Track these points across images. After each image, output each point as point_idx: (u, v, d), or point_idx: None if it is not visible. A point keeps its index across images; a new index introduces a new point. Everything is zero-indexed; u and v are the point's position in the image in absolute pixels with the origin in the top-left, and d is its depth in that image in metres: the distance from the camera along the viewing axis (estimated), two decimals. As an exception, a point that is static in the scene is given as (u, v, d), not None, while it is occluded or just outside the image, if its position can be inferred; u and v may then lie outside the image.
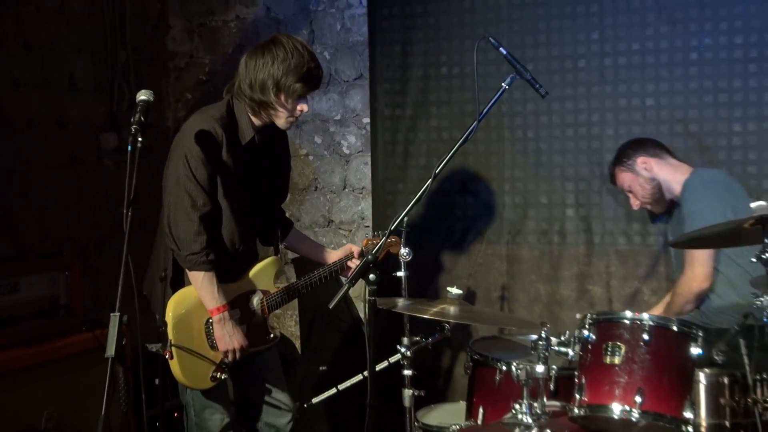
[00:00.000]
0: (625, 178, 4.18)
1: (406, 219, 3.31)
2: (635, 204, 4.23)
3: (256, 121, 3.53)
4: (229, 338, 3.44)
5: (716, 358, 3.32)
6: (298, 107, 3.47)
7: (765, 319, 2.95)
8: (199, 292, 3.44)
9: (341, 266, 3.76)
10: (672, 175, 4.05)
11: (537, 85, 3.33)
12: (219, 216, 3.51)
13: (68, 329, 3.85)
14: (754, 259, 3.08)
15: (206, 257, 3.37)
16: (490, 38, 3.43)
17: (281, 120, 3.50)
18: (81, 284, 3.95)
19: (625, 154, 4.18)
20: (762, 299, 2.97)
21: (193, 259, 3.36)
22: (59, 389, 3.70)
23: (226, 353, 3.47)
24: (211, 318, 3.45)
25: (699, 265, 3.81)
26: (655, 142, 4.17)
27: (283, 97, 3.41)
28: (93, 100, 5.04)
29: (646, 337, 3.17)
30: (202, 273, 3.39)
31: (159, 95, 5.06)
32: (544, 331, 3.34)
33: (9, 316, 3.66)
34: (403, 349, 3.56)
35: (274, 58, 3.38)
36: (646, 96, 4.46)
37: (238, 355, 3.48)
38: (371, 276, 3.09)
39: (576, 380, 3.27)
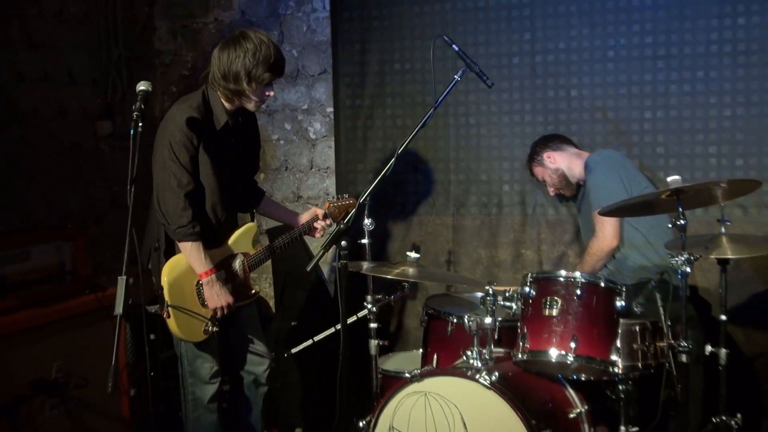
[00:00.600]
0: (538, 171, 4.29)
1: (366, 192, 3.31)
2: (551, 191, 4.32)
3: (229, 107, 3.51)
4: (217, 297, 3.45)
5: (635, 309, 3.39)
6: (267, 93, 3.46)
7: (680, 276, 3.00)
8: (188, 260, 3.44)
9: (309, 227, 3.74)
10: (571, 162, 4.15)
11: (484, 77, 3.35)
12: (202, 192, 3.49)
13: (73, 292, 3.80)
14: (669, 225, 3.11)
15: (192, 229, 3.36)
16: (445, 37, 3.46)
17: (251, 104, 3.49)
18: (84, 253, 3.90)
19: (535, 151, 4.28)
20: (676, 259, 3.00)
21: (181, 231, 3.35)
22: (66, 344, 3.66)
23: (215, 310, 3.47)
24: (200, 280, 3.44)
25: (609, 226, 3.87)
26: (557, 137, 4.30)
27: (254, 85, 3.40)
28: (89, 92, 4.98)
29: (578, 292, 3.25)
30: (190, 243, 3.39)
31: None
32: (492, 288, 3.38)
33: (22, 281, 3.60)
34: (369, 305, 3.58)
35: (245, 52, 3.35)
36: (571, 88, 4.49)
37: (225, 311, 3.49)
38: (343, 243, 3.11)
39: (519, 330, 3.35)
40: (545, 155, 4.22)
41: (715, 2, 4.18)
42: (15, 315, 3.48)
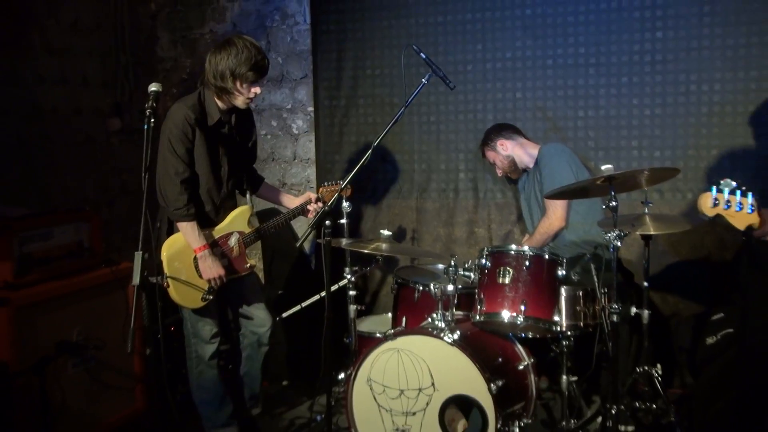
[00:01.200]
0: (490, 155, 4.24)
1: (347, 179, 3.30)
2: (499, 173, 4.29)
3: (222, 105, 3.48)
4: (210, 269, 3.44)
5: (573, 278, 3.43)
6: (252, 89, 3.43)
7: (611, 249, 3.02)
8: (185, 237, 3.43)
9: (302, 209, 3.72)
10: (522, 151, 4.14)
11: (448, 81, 3.35)
12: (197, 179, 3.49)
13: (90, 266, 3.76)
14: (604, 206, 3.14)
15: (188, 211, 3.37)
16: (414, 46, 3.43)
17: (239, 101, 3.45)
18: (100, 232, 3.87)
19: (489, 137, 4.22)
20: (609, 235, 3.02)
21: (178, 212, 3.37)
22: (85, 311, 3.62)
23: (209, 281, 3.46)
24: (196, 255, 3.43)
25: (560, 209, 3.90)
26: (510, 126, 4.26)
27: (238, 83, 3.37)
28: (101, 93, 4.94)
29: (527, 263, 3.30)
30: (186, 222, 3.39)
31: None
32: (454, 260, 3.42)
33: (46, 257, 3.56)
34: (348, 276, 3.59)
35: (230, 54, 3.34)
36: (516, 91, 4.51)
37: (218, 282, 3.48)
38: (327, 222, 3.12)
39: (476, 296, 3.39)
40: (498, 142, 4.18)
41: (636, 19, 4.20)
42: (40, 287, 3.45)
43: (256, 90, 3.45)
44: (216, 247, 3.53)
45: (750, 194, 2.49)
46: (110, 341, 3.70)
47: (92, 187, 4.80)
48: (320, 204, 3.67)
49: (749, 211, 2.45)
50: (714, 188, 2.47)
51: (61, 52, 4.59)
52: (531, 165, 4.14)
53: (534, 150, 4.13)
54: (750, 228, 2.53)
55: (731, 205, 2.46)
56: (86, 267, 3.74)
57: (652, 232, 3.39)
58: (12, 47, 4.29)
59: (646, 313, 3.55)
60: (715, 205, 2.46)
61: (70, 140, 4.65)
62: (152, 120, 2.76)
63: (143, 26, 5.25)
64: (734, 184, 2.49)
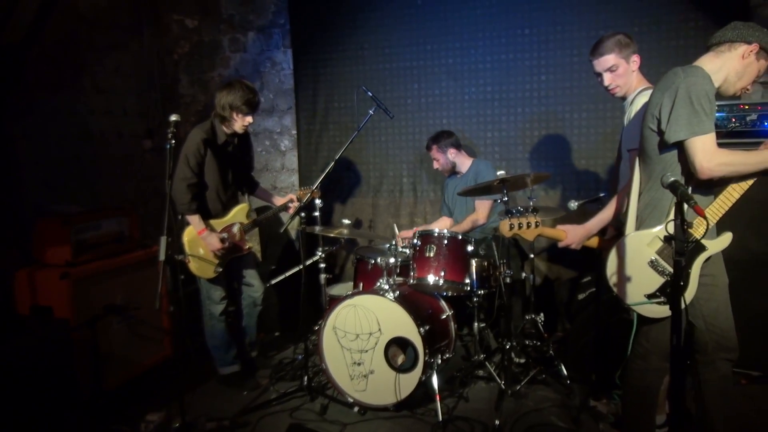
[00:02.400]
0: (437, 155, 4.07)
1: (317, 183, 3.37)
2: (436, 166, 4.11)
3: (227, 130, 3.51)
4: (211, 244, 3.48)
5: (480, 252, 3.53)
6: (246, 119, 3.47)
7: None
8: (192, 225, 3.48)
9: (286, 207, 3.76)
10: (462, 159, 4.09)
11: (389, 112, 3.40)
12: (205, 184, 3.51)
13: (130, 249, 3.78)
14: (499, 201, 3.18)
15: (190, 207, 3.41)
16: (363, 87, 3.50)
17: (237, 126, 3.49)
18: (137, 224, 3.88)
19: (442, 141, 4.04)
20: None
21: (182, 207, 3.41)
22: (126, 282, 3.65)
23: (213, 252, 3.49)
24: (199, 236, 3.48)
25: (485, 208, 3.91)
26: (457, 139, 4.11)
27: (235, 114, 3.43)
28: (137, 121, 4.89)
29: (446, 242, 3.34)
30: (189, 215, 3.44)
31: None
32: (395, 241, 3.50)
33: (96, 242, 3.60)
34: (319, 253, 3.65)
35: (230, 93, 3.40)
36: (442, 118, 4.55)
37: (219, 253, 3.50)
38: (302, 214, 3.20)
39: (411, 266, 3.42)
40: (449, 150, 4.02)
41: (527, 66, 4.27)
42: (92, 264, 3.48)
43: (249, 119, 3.48)
44: (222, 232, 3.58)
45: (536, 212, 2.51)
46: (145, 304, 3.72)
47: (131, 191, 4.76)
48: (297, 203, 3.72)
49: (535, 226, 2.45)
50: (507, 217, 2.46)
51: (107, 90, 4.56)
52: (464, 171, 4.08)
53: (468, 160, 4.11)
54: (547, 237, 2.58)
55: (522, 226, 2.43)
56: (126, 250, 3.76)
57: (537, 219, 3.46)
58: (69, 87, 4.26)
59: (531, 277, 3.64)
60: (511, 228, 2.43)
61: (113, 156, 4.62)
62: (173, 141, 2.81)
63: (169, 71, 5.21)
64: (521, 209, 2.50)
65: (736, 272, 2.44)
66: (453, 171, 4.14)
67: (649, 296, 2.21)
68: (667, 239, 1.76)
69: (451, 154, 4.06)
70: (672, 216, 1.82)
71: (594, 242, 2.65)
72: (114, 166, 4.62)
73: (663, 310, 2.20)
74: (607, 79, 2.71)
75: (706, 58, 2.27)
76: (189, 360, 3.90)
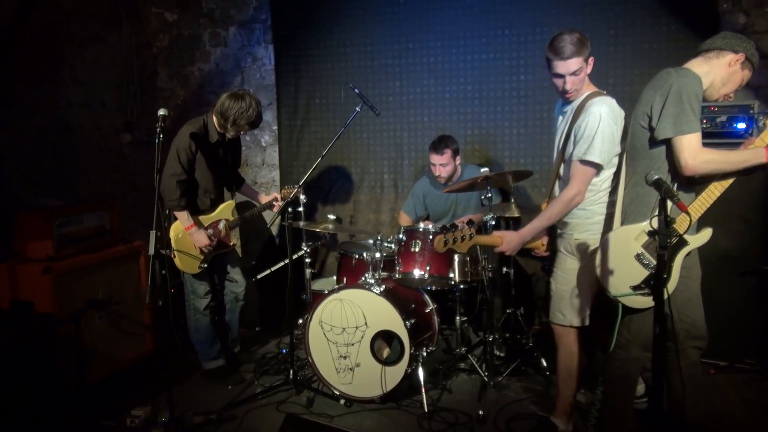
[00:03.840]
0: (448, 160, 3.92)
1: (303, 181, 3.41)
2: (441, 171, 3.95)
3: (220, 129, 3.51)
4: (198, 240, 3.48)
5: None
6: (241, 132, 3.50)
7: (488, 227, 3.06)
8: (180, 220, 3.47)
9: (270, 204, 3.77)
10: (458, 167, 4.04)
11: (375, 109, 3.45)
12: (195, 181, 3.50)
13: (111, 243, 3.76)
14: (482, 197, 3.23)
15: (179, 203, 3.40)
16: (350, 84, 3.52)
17: (229, 134, 3.50)
18: (119, 218, 3.85)
19: (455, 146, 3.95)
20: (486, 217, 3.08)
21: (172, 203, 3.40)
22: (107, 277, 3.63)
23: (200, 249, 3.50)
24: (187, 232, 3.47)
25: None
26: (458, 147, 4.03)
27: (235, 128, 3.43)
28: (116, 115, 4.83)
29: (430, 237, 3.37)
30: (178, 211, 3.43)
31: (154, 113, 4.94)
32: (380, 235, 3.50)
33: (78, 236, 3.56)
34: (305, 248, 3.67)
35: (238, 106, 3.36)
36: (424, 116, 4.58)
37: (206, 250, 3.50)
38: (289, 209, 3.23)
39: (396, 261, 3.46)
40: (458, 158, 3.97)
41: (507, 65, 4.33)
42: (74, 259, 3.46)
43: (243, 131, 3.52)
44: (209, 229, 3.58)
45: (470, 224, 2.61)
46: (126, 299, 3.72)
47: (109, 184, 4.70)
48: (281, 202, 3.72)
49: (470, 238, 2.49)
50: (442, 234, 2.48)
51: (86, 83, 4.49)
52: (455, 178, 4.05)
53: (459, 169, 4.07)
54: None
55: (457, 240, 2.45)
56: (108, 244, 3.73)
57: (516, 215, 3.52)
58: (48, 80, 4.19)
59: (512, 271, 3.69)
60: (446, 244, 2.44)
61: (92, 149, 4.56)
62: (161, 135, 2.75)
63: (147, 64, 5.15)
64: (457, 224, 2.61)
65: (704, 267, 2.56)
66: (449, 180, 4.04)
67: (635, 288, 2.32)
68: (652, 233, 1.86)
69: (458, 160, 4.02)
70: (656, 212, 1.91)
71: (538, 245, 2.86)
72: (93, 160, 4.56)
73: (646, 301, 2.30)
74: (570, 83, 2.53)
75: (695, 62, 2.40)
76: (173, 354, 3.89)
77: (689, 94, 2.22)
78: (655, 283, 1.90)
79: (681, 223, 2.20)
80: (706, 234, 2.36)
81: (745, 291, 3.49)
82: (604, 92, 2.61)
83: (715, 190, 2.30)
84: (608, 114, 2.47)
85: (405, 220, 4.27)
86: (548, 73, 2.58)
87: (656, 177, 1.97)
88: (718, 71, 2.36)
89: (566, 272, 2.72)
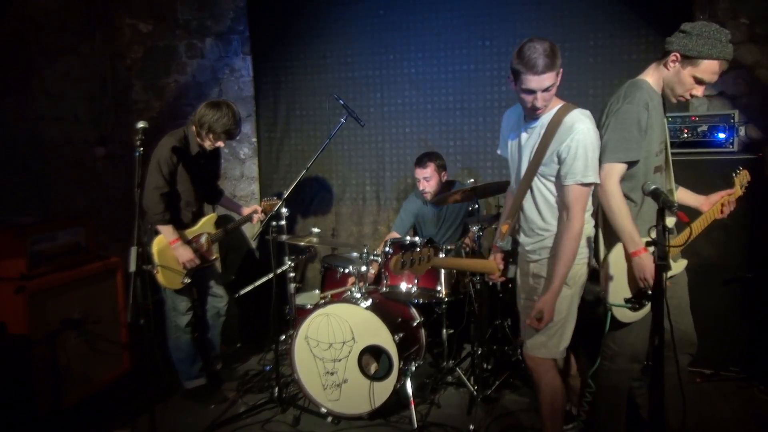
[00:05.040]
0: (432, 173, 3.89)
1: (286, 194, 3.36)
2: (424, 186, 3.91)
3: (200, 141, 3.45)
4: (182, 255, 3.42)
5: (450, 259, 3.57)
6: (218, 142, 3.44)
7: (475, 238, 3.12)
8: (163, 234, 3.39)
9: (250, 217, 3.73)
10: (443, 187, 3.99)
11: (360, 121, 3.43)
12: (176, 193, 3.43)
13: (86, 260, 3.65)
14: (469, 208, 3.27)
15: (163, 216, 3.33)
16: (335, 95, 3.49)
17: (206, 144, 3.45)
18: (94, 234, 3.74)
19: (441, 161, 3.95)
20: (473, 228, 3.12)
21: (156, 217, 3.32)
22: (83, 295, 3.53)
23: (183, 264, 3.42)
24: (171, 246, 3.40)
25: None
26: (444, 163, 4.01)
27: (210, 135, 3.39)
28: (89, 128, 4.72)
29: (417, 250, 3.35)
30: (162, 225, 3.35)
31: (128, 126, 4.81)
32: (366, 248, 3.45)
33: (52, 253, 3.45)
34: (289, 262, 3.59)
35: (215, 114, 3.34)
36: (405, 127, 4.58)
37: (189, 265, 3.44)
38: (273, 222, 3.18)
39: (382, 273, 3.45)
40: (443, 172, 3.93)
41: (488, 76, 4.35)
42: (48, 277, 3.35)
43: (221, 143, 3.46)
44: (191, 243, 3.51)
45: (431, 244, 2.59)
46: (103, 318, 3.62)
47: (82, 199, 4.58)
48: (262, 215, 3.67)
49: (427, 260, 2.36)
50: (399, 255, 2.37)
51: (57, 95, 4.38)
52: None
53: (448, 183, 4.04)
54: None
55: (415, 262, 2.31)
56: (83, 261, 3.63)
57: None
58: (17, 92, 4.08)
59: (499, 282, 3.67)
60: (403, 266, 2.29)
61: (64, 164, 4.45)
62: (141, 148, 2.66)
63: (121, 75, 5.06)
64: (416, 243, 2.62)
65: (688, 276, 2.60)
66: (435, 196, 3.93)
67: (627, 300, 2.32)
68: (650, 244, 1.86)
69: (444, 176, 3.98)
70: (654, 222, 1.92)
71: (493, 268, 2.71)
72: (65, 174, 4.45)
73: (633, 316, 2.34)
74: (541, 99, 2.28)
75: (649, 69, 2.42)
76: (150, 375, 3.77)
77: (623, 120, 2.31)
78: (653, 294, 1.90)
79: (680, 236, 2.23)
80: (682, 263, 2.47)
81: (728, 299, 3.53)
82: (574, 104, 2.40)
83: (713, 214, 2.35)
84: (594, 130, 2.32)
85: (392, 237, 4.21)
86: (513, 86, 2.36)
87: (653, 187, 1.98)
88: (666, 74, 2.35)
89: (560, 301, 2.41)
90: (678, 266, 2.47)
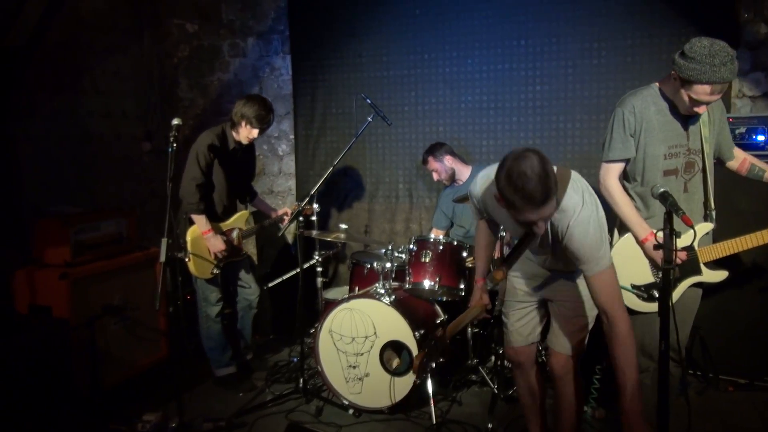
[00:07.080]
0: (434, 165, 4.04)
1: (314, 190, 3.43)
2: (435, 177, 4.08)
3: (236, 137, 3.57)
4: (214, 245, 3.53)
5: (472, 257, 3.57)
6: (253, 132, 3.53)
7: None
8: (197, 224, 3.51)
9: (281, 219, 3.83)
10: (460, 167, 4.06)
11: (386, 119, 3.47)
12: (212, 186, 3.56)
13: (128, 250, 3.82)
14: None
15: (198, 206, 3.45)
16: (362, 95, 3.55)
17: (241, 136, 3.56)
18: (135, 225, 3.92)
19: (437, 150, 4.04)
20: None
21: (191, 207, 3.45)
22: (124, 283, 3.69)
23: (215, 254, 3.54)
24: (204, 236, 3.51)
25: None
26: (450, 147, 4.11)
27: (245, 123, 3.50)
28: (136, 123, 4.94)
29: (441, 247, 3.39)
30: (197, 215, 3.47)
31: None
32: (391, 245, 3.51)
33: (95, 243, 3.63)
34: (317, 257, 3.68)
35: (247, 103, 3.47)
36: (439, 126, 4.57)
37: (220, 255, 3.55)
38: (300, 218, 3.25)
39: (406, 271, 3.47)
40: (446, 157, 4.00)
41: (523, 76, 4.31)
42: (91, 265, 3.52)
43: (255, 133, 3.55)
44: (223, 235, 3.61)
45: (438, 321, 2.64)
46: (142, 305, 3.77)
47: (129, 192, 4.80)
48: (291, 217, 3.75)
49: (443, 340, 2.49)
50: (420, 360, 2.59)
51: (106, 93, 4.60)
52: (464, 179, 4.03)
53: (466, 169, 4.07)
54: None
55: (436, 350, 2.43)
56: (124, 251, 3.79)
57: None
58: (69, 89, 4.30)
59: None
60: (430, 359, 2.43)
61: (112, 158, 4.66)
62: (174, 144, 2.81)
63: (168, 74, 5.25)
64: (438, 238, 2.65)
65: (722, 284, 2.54)
66: (453, 179, 4.08)
67: (634, 286, 2.33)
68: (657, 247, 1.84)
69: (448, 161, 4.04)
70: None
71: (479, 308, 2.61)
72: (112, 168, 4.66)
73: (639, 305, 2.32)
74: (542, 227, 2.00)
75: (669, 75, 2.43)
76: (185, 361, 3.93)
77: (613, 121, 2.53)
78: (660, 298, 1.88)
79: (686, 238, 2.20)
80: (721, 275, 2.42)
81: (764, 306, 3.41)
82: (570, 180, 2.17)
83: (749, 242, 2.35)
84: (597, 220, 2.08)
85: (437, 234, 4.20)
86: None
87: (662, 190, 1.96)
88: (673, 87, 2.39)
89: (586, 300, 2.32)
90: (713, 276, 2.40)
